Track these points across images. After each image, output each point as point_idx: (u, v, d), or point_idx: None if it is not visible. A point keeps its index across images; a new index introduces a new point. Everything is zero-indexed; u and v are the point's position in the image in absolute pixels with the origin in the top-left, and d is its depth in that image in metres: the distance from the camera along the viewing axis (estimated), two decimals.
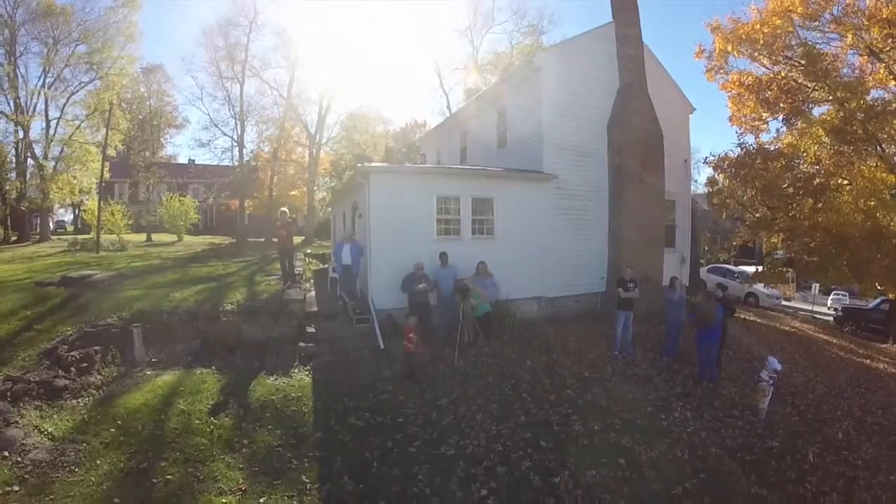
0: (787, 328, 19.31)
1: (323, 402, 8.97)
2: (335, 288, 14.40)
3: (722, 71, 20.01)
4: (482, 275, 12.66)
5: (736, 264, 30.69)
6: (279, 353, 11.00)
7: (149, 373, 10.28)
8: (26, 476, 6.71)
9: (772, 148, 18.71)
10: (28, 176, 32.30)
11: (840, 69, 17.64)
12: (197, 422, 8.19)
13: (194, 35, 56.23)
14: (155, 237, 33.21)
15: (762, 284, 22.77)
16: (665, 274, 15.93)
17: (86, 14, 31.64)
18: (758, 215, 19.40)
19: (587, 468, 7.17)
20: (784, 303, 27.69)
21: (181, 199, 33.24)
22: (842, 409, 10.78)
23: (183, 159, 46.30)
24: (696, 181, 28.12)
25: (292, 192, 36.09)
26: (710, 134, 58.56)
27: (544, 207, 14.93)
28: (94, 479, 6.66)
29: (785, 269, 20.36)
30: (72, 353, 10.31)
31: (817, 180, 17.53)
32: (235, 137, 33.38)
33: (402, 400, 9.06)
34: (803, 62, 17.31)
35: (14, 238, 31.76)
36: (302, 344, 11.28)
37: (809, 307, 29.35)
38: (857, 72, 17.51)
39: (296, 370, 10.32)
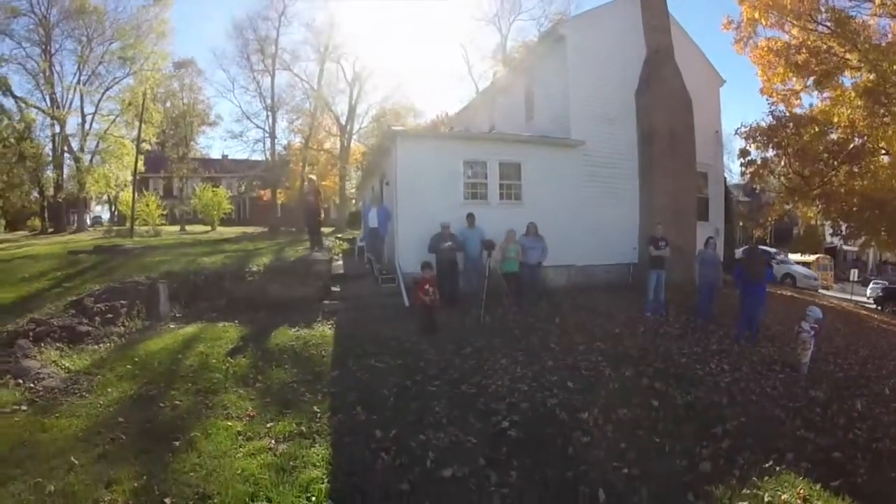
0: (826, 303, 18.44)
1: (342, 348, 8.66)
2: (363, 257, 14.16)
3: (751, 42, 19.28)
4: (532, 235, 12.19)
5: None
6: (303, 311, 10.77)
7: (172, 326, 10.21)
8: (36, 399, 6.61)
9: (804, 115, 17.87)
10: (65, 169, 32.82)
11: (870, 35, 16.87)
12: (213, 361, 8.00)
13: (225, 28, 56.63)
14: (188, 228, 33.41)
15: (800, 261, 21.90)
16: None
17: (118, 13, 32.21)
18: (792, 183, 18.54)
19: (618, 407, 6.69)
20: (823, 291, 26.63)
21: (214, 189, 33.37)
22: (887, 368, 10.05)
23: (216, 155, 46.77)
24: (727, 148, 27.15)
25: (324, 182, 36.00)
26: (743, 110, 57.14)
27: (573, 174, 14.46)
28: (101, 403, 6.53)
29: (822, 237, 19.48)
30: (98, 305, 10.31)
31: (852, 145, 16.71)
32: (267, 129, 33.52)
33: (425, 349, 8.64)
34: (831, 26, 16.53)
35: (51, 229, 32.24)
36: (326, 302, 11.06)
37: (848, 296, 28.22)
38: (890, 36, 16.73)
39: (319, 324, 10.04)
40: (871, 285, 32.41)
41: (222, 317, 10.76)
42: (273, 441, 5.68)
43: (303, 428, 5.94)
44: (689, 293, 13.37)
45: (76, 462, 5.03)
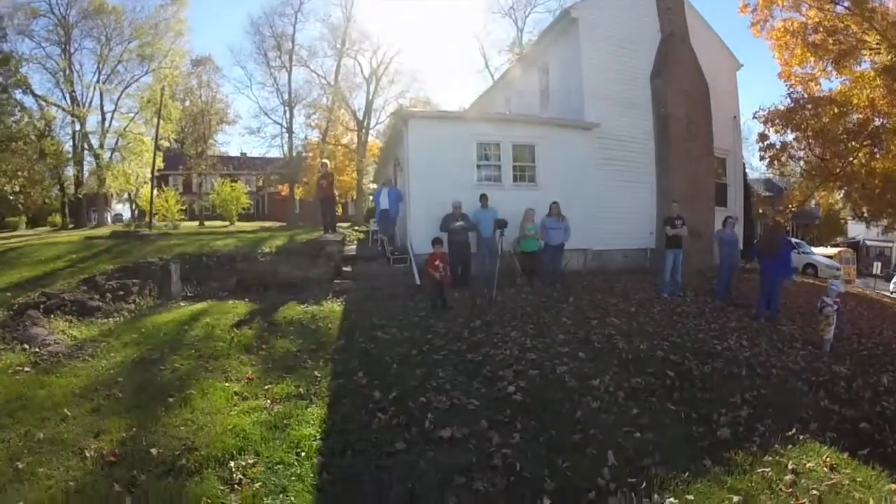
0: (848, 289, 17.84)
1: (350, 321, 8.47)
2: (377, 241, 13.94)
3: (767, 24, 18.72)
4: (555, 215, 11.84)
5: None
6: (314, 290, 10.64)
7: (182, 304, 10.08)
8: (40, 361, 6.55)
9: (823, 97, 17.28)
10: (85, 166, 33.11)
11: (888, 13, 16.29)
12: (218, 332, 7.88)
13: (241, 25, 56.90)
14: (207, 224, 33.42)
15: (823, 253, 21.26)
16: None
17: (136, 13, 32.34)
18: (811, 166, 17.94)
19: (631, 376, 6.39)
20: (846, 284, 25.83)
21: (232, 184, 33.39)
22: None
23: (234, 152, 47.00)
24: (746, 139, 26.36)
25: (342, 177, 35.85)
26: (760, 96, 55.83)
27: (588, 157, 14.11)
28: (103, 366, 6.48)
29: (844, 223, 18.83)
30: (109, 283, 10.32)
31: (872, 125, 16.11)
32: (284, 124, 33.49)
33: (433, 323, 8.39)
34: (849, 5, 15.99)
35: (72, 226, 32.48)
36: (337, 281, 10.88)
37: (871, 289, 27.39)
38: None
39: (328, 301, 9.82)
40: (894, 279, 31.51)
41: (232, 296, 10.66)
42: (269, 401, 5.54)
43: (301, 390, 5.78)
44: (707, 277, 13.00)
45: (69, 414, 4.98)
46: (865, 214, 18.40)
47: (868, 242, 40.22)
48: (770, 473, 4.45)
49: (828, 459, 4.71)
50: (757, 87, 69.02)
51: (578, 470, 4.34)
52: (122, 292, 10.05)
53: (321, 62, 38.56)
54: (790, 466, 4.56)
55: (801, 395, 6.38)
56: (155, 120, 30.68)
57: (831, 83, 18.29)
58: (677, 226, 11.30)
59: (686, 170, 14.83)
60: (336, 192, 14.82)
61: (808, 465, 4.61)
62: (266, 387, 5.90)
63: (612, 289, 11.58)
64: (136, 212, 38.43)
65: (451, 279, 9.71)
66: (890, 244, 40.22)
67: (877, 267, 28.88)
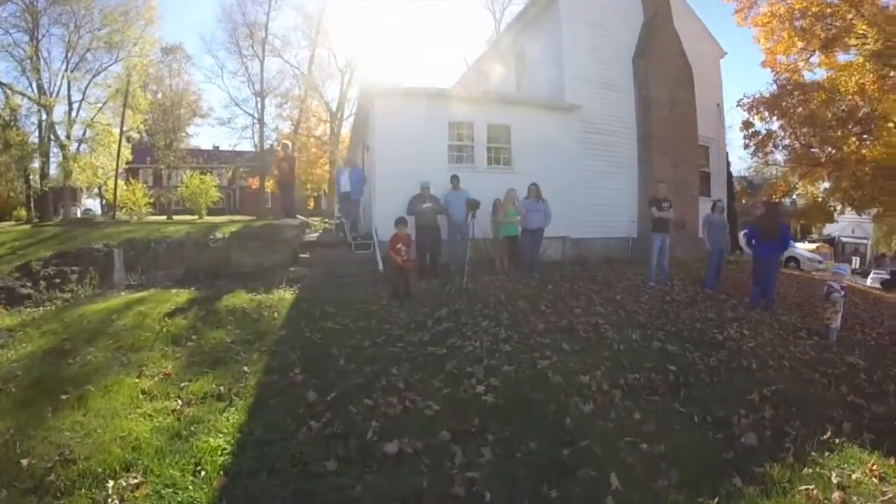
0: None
1: (299, 310, 7.21)
2: (339, 228, 12.59)
3: (752, 12, 17.83)
4: (533, 197, 10.59)
5: None
6: (268, 278, 9.36)
7: (123, 293, 8.85)
8: None
9: (810, 83, 16.37)
10: (51, 157, 31.11)
11: (877, 2, 15.46)
12: (148, 321, 6.67)
13: (213, 12, 54.66)
14: (176, 217, 31.76)
15: (803, 248, 20.44)
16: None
17: (106, 0, 30.40)
18: (798, 152, 17.00)
19: (627, 371, 5.25)
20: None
21: (202, 177, 31.74)
22: None
23: (207, 146, 44.94)
24: (730, 128, 25.33)
25: (314, 170, 34.34)
26: (741, 87, 55.21)
27: (568, 140, 12.93)
28: (9, 357, 5.55)
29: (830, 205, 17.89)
30: (46, 270, 9.06)
31: (862, 111, 15.23)
32: (256, 115, 31.92)
33: (395, 311, 7.18)
34: None
35: (36, 219, 30.63)
36: (293, 268, 9.60)
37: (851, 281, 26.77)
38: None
39: (280, 289, 8.54)
40: (871, 275, 30.98)
41: (179, 285, 9.37)
42: (180, 402, 4.38)
43: (222, 388, 4.58)
44: (693, 269, 12.01)
45: None
46: (855, 203, 17.42)
47: (844, 239, 39.84)
48: (815, 491, 3.42)
49: (875, 468, 3.76)
50: (737, 77, 69.01)
51: (570, 499, 3.16)
52: (58, 280, 8.99)
53: (295, 52, 37.00)
54: (834, 480, 3.58)
55: (823, 390, 5.40)
56: (126, 110, 29.39)
57: (814, 74, 17.50)
58: (664, 208, 10.20)
59: (670, 155, 13.84)
60: (296, 176, 13.40)
61: (854, 477, 3.64)
62: (183, 384, 4.71)
63: (593, 277, 10.46)
64: (106, 206, 36.63)
65: (415, 264, 8.54)
66: (865, 241, 39.98)
67: (854, 262, 28.31)
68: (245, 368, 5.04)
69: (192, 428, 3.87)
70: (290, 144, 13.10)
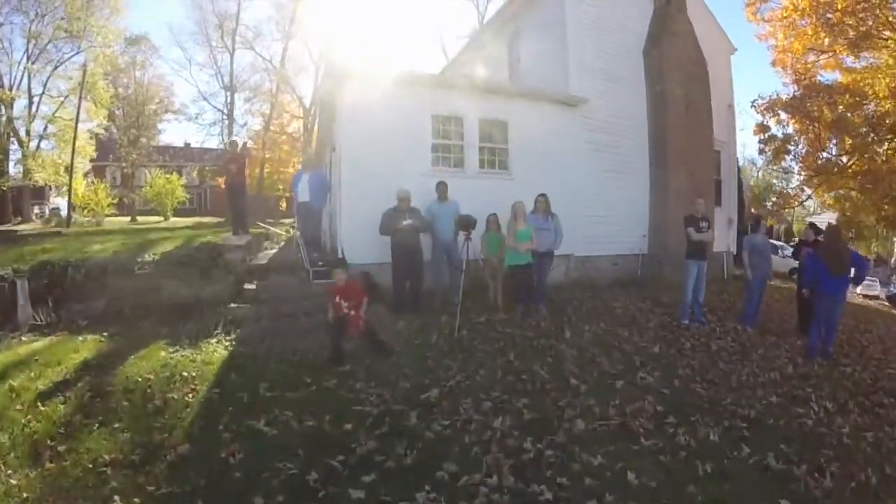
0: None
1: (225, 389, 4.83)
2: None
3: (765, 6, 15.77)
4: (542, 212, 8.34)
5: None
6: (204, 317, 7.06)
7: (24, 339, 6.71)
8: None
9: (836, 84, 14.27)
10: (10, 155, 28.04)
11: None
12: (17, 408, 4.47)
13: (183, 1, 50.86)
14: (141, 219, 28.95)
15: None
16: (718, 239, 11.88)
17: None
18: (821, 159, 14.91)
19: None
20: None
21: (167, 177, 28.90)
22: None
23: (179, 142, 41.83)
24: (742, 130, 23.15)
25: (286, 169, 31.56)
26: (745, 87, 52.99)
27: (573, 140, 10.74)
28: None
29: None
30: None
31: (893, 118, 13.20)
32: (225, 111, 29.20)
33: (360, 388, 4.88)
34: None
35: None
36: (234, 305, 7.21)
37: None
38: None
39: (213, 339, 6.28)
40: (865, 281, 29.02)
41: (95, 325, 7.15)
42: None
43: None
44: (714, 291, 10.11)
45: None
46: (889, 221, 15.38)
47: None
48: None
49: None
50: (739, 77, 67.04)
51: None
52: None
53: (268, 45, 34.18)
54: None
55: None
56: (87, 103, 26.71)
57: (829, 75, 15.48)
58: (703, 228, 8.02)
59: (685, 159, 11.78)
60: (248, 180, 10.83)
61: None
62: None
63: (611, 311, 8.34)
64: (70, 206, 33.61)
65: (362, 327, 5.90)
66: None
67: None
68: None
69: None
70: (239, 142, 10.35)
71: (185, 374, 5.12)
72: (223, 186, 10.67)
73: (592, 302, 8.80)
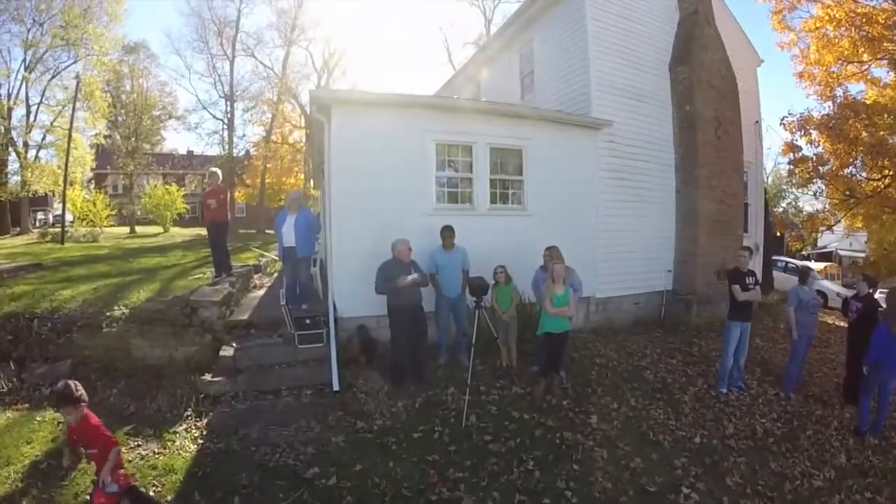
0: None
1: None
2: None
3: (794, 14, 14.63)
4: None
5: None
6: (175, 389, 6.14)
7: None
8: None
9: (873, 103, 13.11)
10: (9, 165, 27.36)
11: None
12: None
13: (179, 7, 50.15)
14: (140, 229, 28.09)
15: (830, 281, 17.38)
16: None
17: None
18: (859, 184, 13.74)
19: None
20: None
21: (167, 187, 28.02)
22: None
23: (182, 150, 41.06)
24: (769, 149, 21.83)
25: (287, 180, 30.56)
26: (766, 99, 50.84)
27: (594, 168, 9.69)
28: None
29: None
30: None
31: None
32: (225, 119, 28.27)
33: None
34: None
35: None
36: (207, 377, 6.22)
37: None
38: None
39: (181, 426, 5.37)
40: (837, 291, 27.59)
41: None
42: None
43: None
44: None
45: None
46: None
47: (841, 252, 36.61)
48: None
49: None
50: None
51: None
52: None
53: (269, 52, 33.25)
54: None
55: None
56: (85, 113, 26.35)
57: (858, 84, 14.35)
58: (750, 286, 6.93)
59: (716, 187, 10.74)
60: (229, 216, 9.73)
61: None
62: None
63: (639, 372, 7.31)
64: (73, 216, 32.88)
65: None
66: (864, 254, 36.97)
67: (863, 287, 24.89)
68: None
69: None
70: (219, 173, 9.15)
71: (142, 490, 4.17)
72: (204, 222, 9.53)
73: (618, 359, 7.76)
